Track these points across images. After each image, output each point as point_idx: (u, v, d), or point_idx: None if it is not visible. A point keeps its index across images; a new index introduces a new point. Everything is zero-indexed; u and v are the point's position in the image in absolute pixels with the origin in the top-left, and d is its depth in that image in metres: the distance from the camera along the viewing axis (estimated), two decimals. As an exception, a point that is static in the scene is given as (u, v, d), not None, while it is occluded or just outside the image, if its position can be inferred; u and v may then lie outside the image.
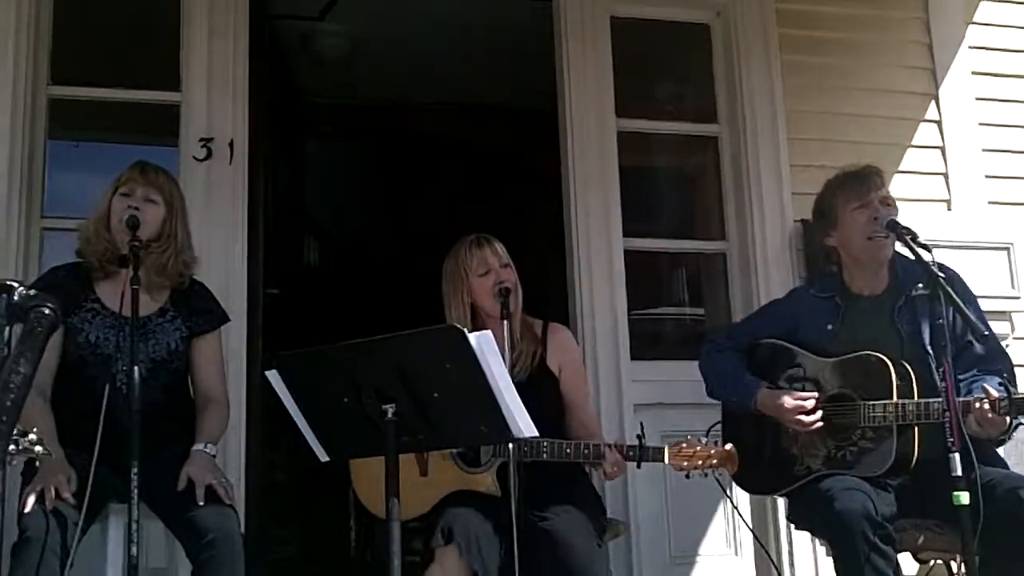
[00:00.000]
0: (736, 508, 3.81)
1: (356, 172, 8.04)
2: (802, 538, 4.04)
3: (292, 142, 5.82)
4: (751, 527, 3.91)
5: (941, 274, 2.85)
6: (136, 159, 3.30)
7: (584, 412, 3.46)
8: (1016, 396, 2.83)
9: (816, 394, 3.14)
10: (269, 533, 4.58)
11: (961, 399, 2.87)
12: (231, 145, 4.12)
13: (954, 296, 2.68)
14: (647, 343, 4.61)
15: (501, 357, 2.52)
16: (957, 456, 2.61)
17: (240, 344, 3.97)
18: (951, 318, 3.00)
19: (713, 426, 3.38)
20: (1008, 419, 2.86)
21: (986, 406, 2.84)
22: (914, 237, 2.89)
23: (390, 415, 2.51)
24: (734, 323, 4.16)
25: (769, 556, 4.10)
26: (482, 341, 2.45)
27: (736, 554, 4.35)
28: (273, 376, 2.61)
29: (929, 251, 2.83)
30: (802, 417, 3.11)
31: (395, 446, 2.53)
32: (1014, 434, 3.84)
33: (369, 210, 8.02)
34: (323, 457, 2.70)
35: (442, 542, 2.96)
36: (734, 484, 3.41)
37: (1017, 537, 2.81)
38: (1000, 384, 2.97)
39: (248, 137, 4.19)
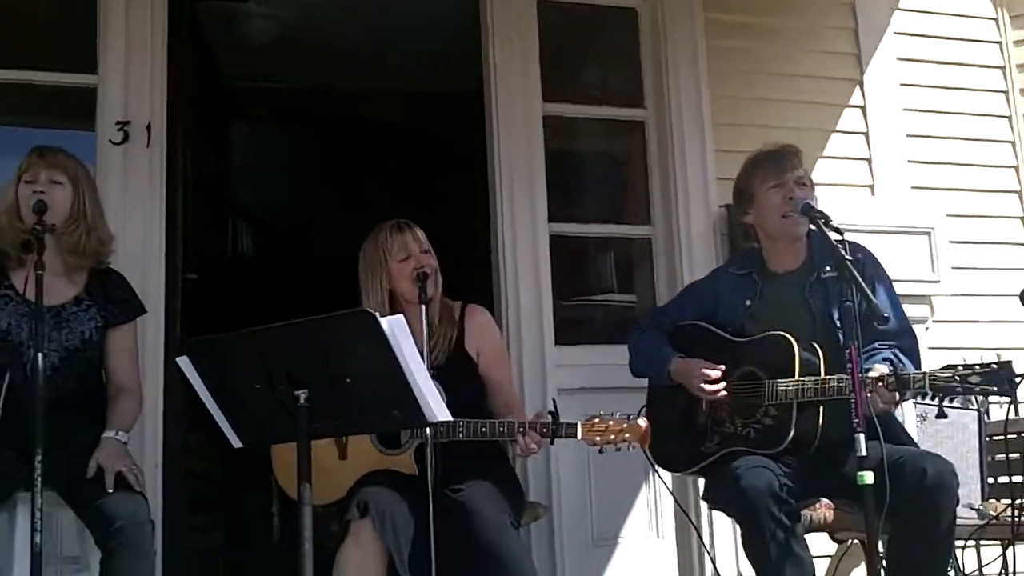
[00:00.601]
0: (662, 479, 3.84)
1: (289, 158, 7.95)
2: (723, 521, 4.07)
3: (217, 126, 5.73)
4: (672, 492, 3.93)
5: (851, 256, 2.88)
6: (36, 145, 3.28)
7: (506, 392, 3.48)
8: (902, 373, 2.90)
9: (723, 366, 3.20)
10: (190, 522, 4.53)
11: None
12: (148, 128, 4.04)
13: (858, 279, 2.72)
14: (573, 328, 4.61)
15: (415, 341, 2.51)
16: (862, 436, 2.64)
17: (158, 330, 3.91)
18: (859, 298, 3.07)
19: (642, 409, 3.41)
20: (897, 395, 2.92)
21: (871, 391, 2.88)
22: (826, 220, 2.92)
23: (302, 401, 2.48)
24: (659, 306, 4.19)
25: (697, 530, 4.14)
26: (394, 325, 2.43)
27: (658, 536, 4.38)
28: (184, 362, 2.57)
29: (840, 233, 2.86)
30: (705, 385, 3.19)
31: (307, 432, 2.50)
32: (924, 410, 3.94)
33: (303, 196, 7.93)
34: (236, 443, 2.68)
35: (357, 515, 3.00)
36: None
37: (924, 515, 2.86)
38: (885, 360, 3.05)
39: (167, 120, 4.12)
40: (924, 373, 2.87)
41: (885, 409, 2.96)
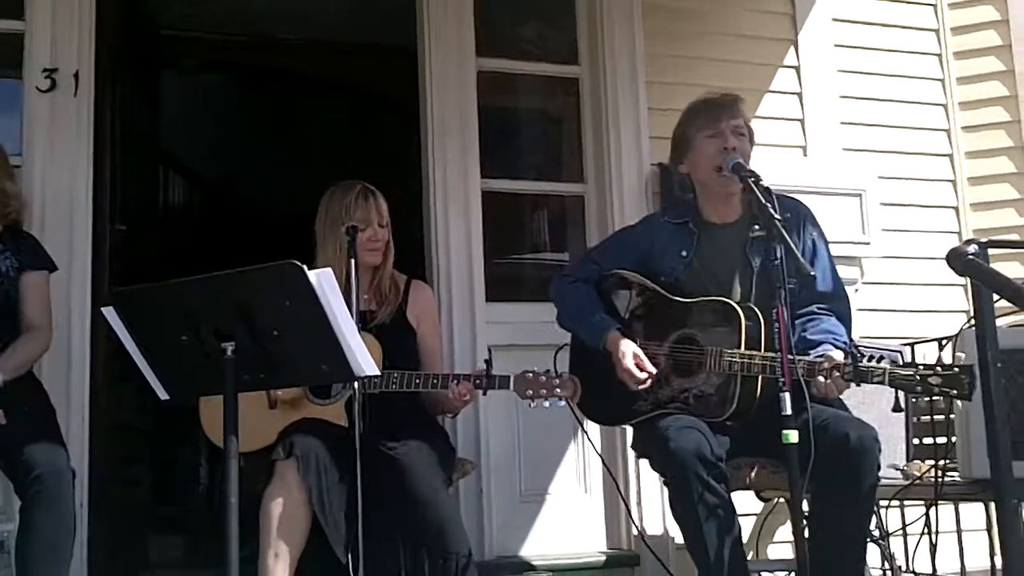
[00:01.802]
0: (590, 440, 3.89)
1: (220, 109, 7.83)
2: (651, 476, 4.12)
3: (147, 76, 5.61)
4: (600, 454, 3.98)
5: (784, 214, 2.87)
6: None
7: (436, 365, 3.54)
8: (861, 365, 2.86)
9: (654, 369, 3.15)
10: (121, 473, 4.50)
11: (807, 359, 2.92)
12: (76, 76, 3.95)
13: (787, 238, 2.70)
14: (505, 285, 4.61)
15: (343, 296, 2.50)
16: (787, 396, 2.64)
17: (84, 280, 3.85)
18: (800, 254, 3.00)
19: (561, 348, 3.41)
20: (850, 384, 2.91)
21: (823, 379, 2.90)
22: (756, 179, 2.91)
23: (229, 353, 2.46)
24: (588, 250, 4.14)
25: (618, 488, 4.19)
26: (322, 278, 2.41)
27: (586, 492, 4.42)
28: (109, 312, 2.54)
29: (770, 193, 2.86)
30: (631, 383, 3.14)
31: (234, 385, 2.49)
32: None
33: (234, 149, 7.82)
34: (163, 396, 2.65)
35: (282, 455, 3.05)
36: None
37: (845, 477, 2.89)
38: (840, 336, 3.07)
39: (95, 69, 4.03)
40: (884, 369, 2.82)
41: (838, 395, 2.97)
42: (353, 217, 3.36)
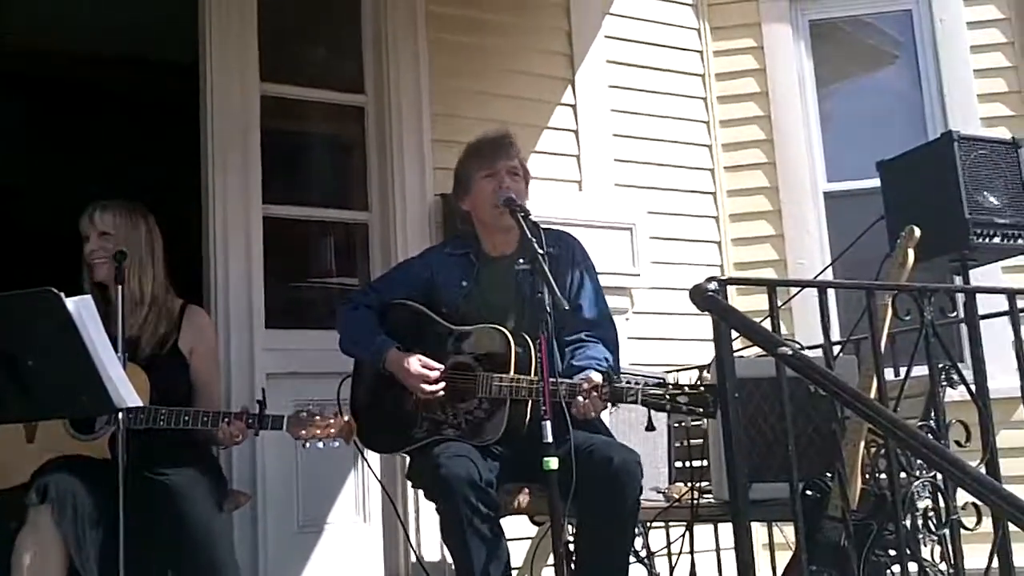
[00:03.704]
0: (370, 467, 3.89)
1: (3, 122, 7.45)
2: (428, 503, 4.17)
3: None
4: (380, 480, 4.00)
5: (553, 247, 3.08)
6: None
7: (211, 396, 3.44)
8: (616, 385, 3.05)
9: (441, 366, 3.24)
10: None
11: (569, 382, 3.07)
12: None
13: (547, 273, 2.83)
14: (288, 312, 4.58)
15: (108, 324, 2.45)
16: (549, 424, 2.77)
17: None
18: (568, 284, 3.27)
19: (344, 378, 3.43)
20: (608, 404, 3.10)
21: (582, 399, 3.05)
22: (526, 215, 3.04)
23: (-21, 382, 2.39)
24: (372, 280, 4.22)
25: (397, 514, 4.20)
26: (81, 307, 2.38)
27: (365, 521, 4.43)
28: None
29: (537, 227, 2.99)
30: (424, 385, 3.21)
31: (-15, 416, 2.41)
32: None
33: (17, 161, 7.44)
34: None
35: (36, 500, 2.90)
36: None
37: (609, 499, 3.03)
38: (604, 359, 3.22)
39: None
40: (637, 389, 3.01)
41: (596, 415, 3.13)
42: (83, 235, 3.30)
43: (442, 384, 3.22)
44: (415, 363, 3.23)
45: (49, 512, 2.89)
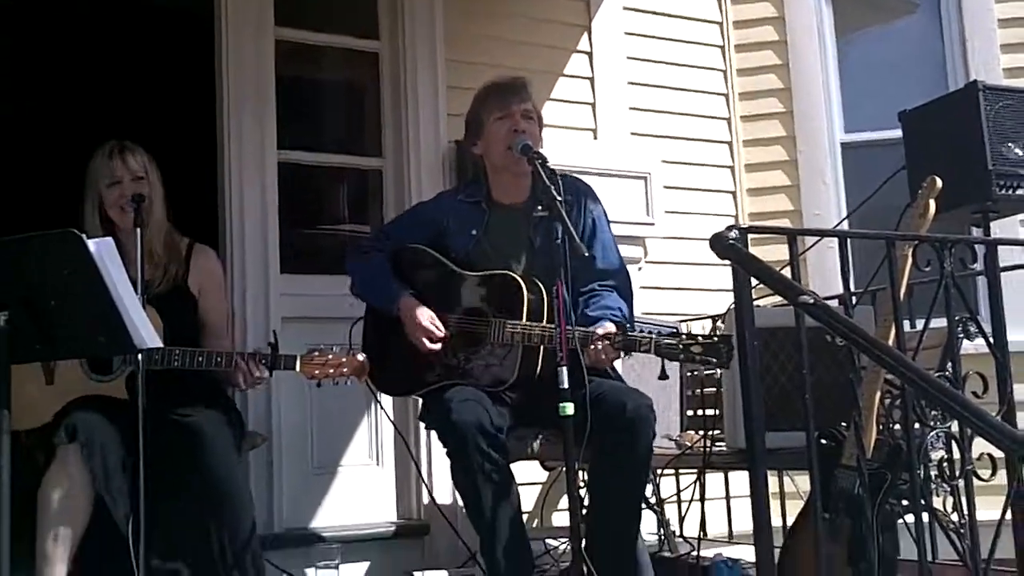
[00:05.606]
0: (383, 409, 3.91)
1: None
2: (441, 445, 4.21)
3: None
4: (393, 421, 4.02)
5: (568, 195, 3.04)
6: None
7: (221, 337, 3.44)
8: (631, 335, 3.05)
9: (445, 333, 3.24)
10: None
11: (583, 330, 3.07)
12: None
13: (566, 220, 2.83)
14: (302, 257, 4.58)
15: (130, 268, 2.46)
16: (565, 369, 2.76)
17: None
18: (580, 232, 3.22)
19: (356, 321, 3.45)
20: (621, 352, 3.09)
21: (599, 345, 3.05)
22: (543, 161, 3.01)
23: (2, 323, 2.40)
24: (384, 224, 4.22)
25: (415, 463, 4.25)
26: (102, 248, 2.38)
27: (378, 464, 4.48)
28: None
29: (555, 174, 2.97)
30: (426, 340, 3.23)
31: (7, 356, 2.43)
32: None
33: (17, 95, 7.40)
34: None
35: (65, 439, 2.95)
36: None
37: (622, 444, 3.04)
38: (619, 309, 3.22)
39: None
40: (651, 338, 3.00)
41: (609, 363, 3.13)
42: (101, 177, 3.26)
43: (439, 346, 3.23)
44: (425, 316, 3.25)
45: (78, 450, 2.93)
